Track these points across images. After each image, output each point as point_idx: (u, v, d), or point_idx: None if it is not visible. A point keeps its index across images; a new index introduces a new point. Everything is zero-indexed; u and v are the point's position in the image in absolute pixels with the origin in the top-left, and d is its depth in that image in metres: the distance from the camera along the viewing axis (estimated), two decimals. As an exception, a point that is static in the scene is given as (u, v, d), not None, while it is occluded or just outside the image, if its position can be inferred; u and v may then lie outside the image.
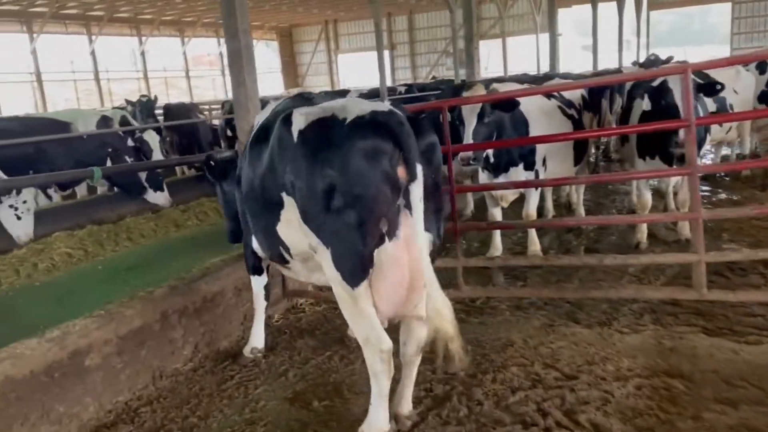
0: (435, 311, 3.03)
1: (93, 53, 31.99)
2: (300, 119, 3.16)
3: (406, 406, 3.53)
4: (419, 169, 2.91)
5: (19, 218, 6.96)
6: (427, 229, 3.06)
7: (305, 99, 3.66)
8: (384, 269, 3.01)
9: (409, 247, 2.99)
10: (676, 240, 6.35)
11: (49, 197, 8.02)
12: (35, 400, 3.62)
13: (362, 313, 3.10)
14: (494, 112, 5.44)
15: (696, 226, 4.33)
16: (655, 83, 5.64)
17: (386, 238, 2.97)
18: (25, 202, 7.02)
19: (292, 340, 4.87)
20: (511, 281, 5.70)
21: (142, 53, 34.55)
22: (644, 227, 6.31)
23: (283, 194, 3.25)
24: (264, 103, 4.96)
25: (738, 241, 6.09)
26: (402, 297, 3.08)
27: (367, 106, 3.07)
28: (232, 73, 5.69)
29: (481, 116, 5.41)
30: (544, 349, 4.30)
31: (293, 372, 4.33)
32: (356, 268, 3.01)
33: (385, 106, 3.12)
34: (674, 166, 5.69)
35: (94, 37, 31.77)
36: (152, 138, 8.99)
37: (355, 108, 3.07)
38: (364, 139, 2.90)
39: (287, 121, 3.21)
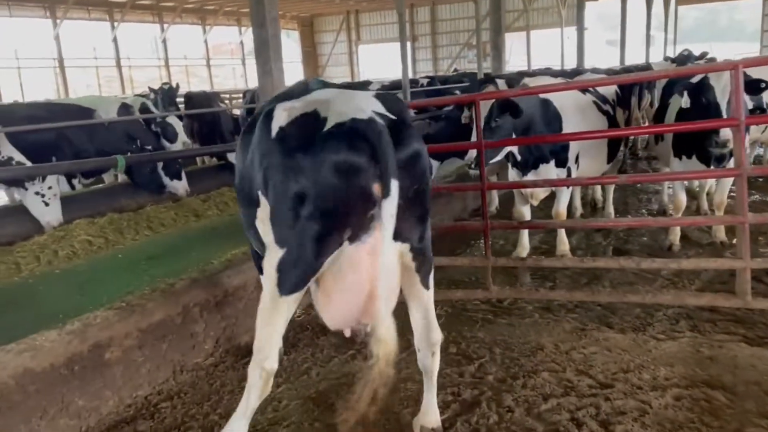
0: (388, 329, 2.80)
1: (115, 40, 32.11)
2: (282, 116, 2.96)
3: (433, 419, 3.33)
4: (394, 185, 2.68)
5: (47, 204, 6.95)
6: (407, 237, 2.91)
7: (303, 85, 3.46)
8: (340, 271, 2.85)
9: (373, 256, 2.81)
10: (710, 242, 6.16)
11: (72, 187, 7.97)
12: (55, 393, 3.55)
13: (272, 323, 2.93)
14: (504, 116, 5.22)
15: (742, 230, 4.13)
16: (695, 80, 5.43)
17: (347, 242, 2.80)
18: (50, 188, 7.00)
19: (314, 336, 4.76)
20: (539, 281, 5.55)
21: (164, 41, 34.61)
22: (677, 229, 6.11)
23: (259, 192, 3.04)
24: None
25: (776, 245, 5.89)
26: (358, 305, 2.89)
27: (350, 110, 2.84)
28: (258, 62, 5.59)
29: (487, 120, 5.21)
30: (576, 354, 4.15)
31: (316, 370, 4.21)
32: (298, 279, 2.85)
33: (366, 111, 2.85)
34: (711, 166, 5.49)
35: (116, 24, 31.89)
36: (176, 122, 8.92)
37: (338, 107, 2.86)
38: (338, 152, 2.71)
39: (269, 115, 3.02)
